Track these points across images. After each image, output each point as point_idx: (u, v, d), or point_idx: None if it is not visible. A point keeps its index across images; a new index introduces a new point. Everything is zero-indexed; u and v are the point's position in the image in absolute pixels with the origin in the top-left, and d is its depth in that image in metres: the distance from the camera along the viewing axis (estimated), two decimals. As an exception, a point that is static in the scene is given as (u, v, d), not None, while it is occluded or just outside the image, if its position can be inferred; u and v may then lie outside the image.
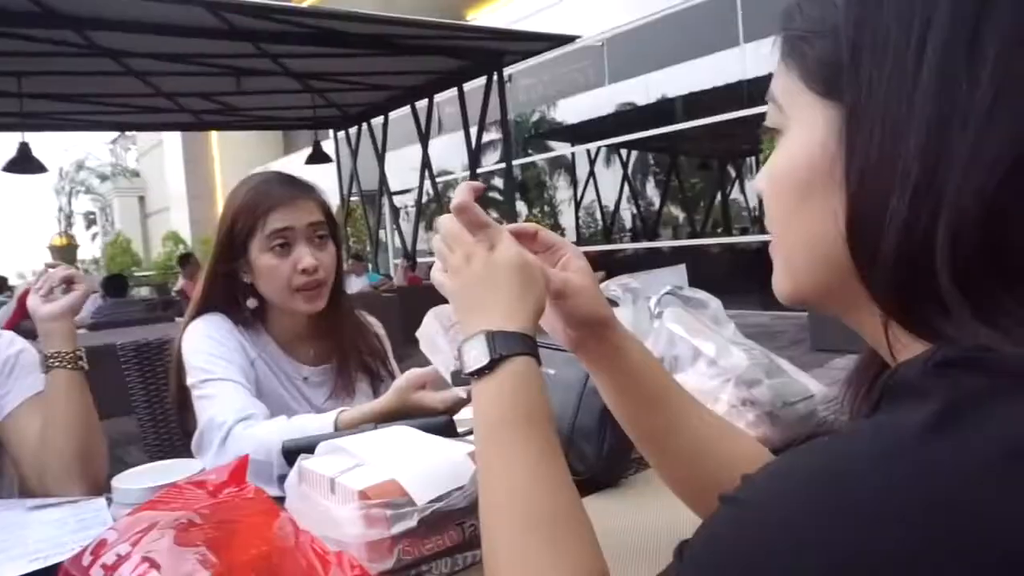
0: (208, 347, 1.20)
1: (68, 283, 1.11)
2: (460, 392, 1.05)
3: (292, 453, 0.89)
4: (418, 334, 0.95)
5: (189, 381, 1.19)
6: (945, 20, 0.36)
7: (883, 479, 0.29)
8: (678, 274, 1.26)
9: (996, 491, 0.28)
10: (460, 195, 0.60)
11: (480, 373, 0.54)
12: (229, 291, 1.27)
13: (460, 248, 0.59)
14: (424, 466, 0.72)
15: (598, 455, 0.94)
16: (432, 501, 0.68)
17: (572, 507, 0.50)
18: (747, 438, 0.71)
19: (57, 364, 1.08)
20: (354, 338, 1.34)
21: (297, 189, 1.26)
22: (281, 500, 0.75)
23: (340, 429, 1.05)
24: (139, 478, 0.76)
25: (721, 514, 0.34)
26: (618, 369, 0.66)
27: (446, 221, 0.61)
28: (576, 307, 0.63)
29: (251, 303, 1.26)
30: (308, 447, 0.83)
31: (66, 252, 18.99)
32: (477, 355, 0.54)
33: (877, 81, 0.37)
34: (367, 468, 0.72)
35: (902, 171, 0.36)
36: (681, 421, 0.66)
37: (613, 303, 1.20)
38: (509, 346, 0.54)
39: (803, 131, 0.42)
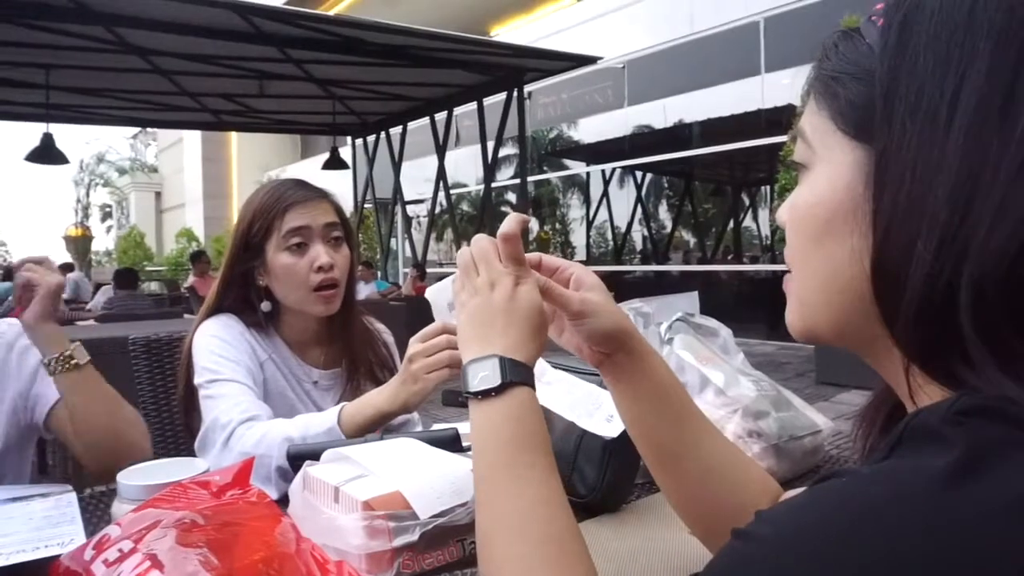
0: (217, 348, 1.21)
1: (29, 289, 1.06)
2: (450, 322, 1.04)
3: (297, 459, 0.89)
4: (432, 295, 0.92)
5: (196, 381, 1.20)
6: (981, 76, 0.36)
7: (902, 526, 0.29)
8: (690, 301, 1.26)
9: (1016, 543, 0.28)
10: (509, 225, 0.61)
11: (486, 395, 0.55)
12: (243, 294, 1.28)
13: (488, 272, 0.60)
14: (429, 480, 0.72)
15: (601, 479, 0.93)
16: (435, 516, 0.68)
17: (574, 531, 0.51)
18: (756, 467, 0.71)
19: (52, 371, 1.08)
20: (363, 346, 1.35)
21: (312, 191, 1.29)
22: (281, 502, 0.75)
23: (343, 422, 1.06)
24: (144, 474, 0.77)
25: (734, 549, 0.34)
26: (642, 383, 0.66)
27: (482, 240, 0.62)
28: (597, 325, 0.64)
29: (265, 306, 1.27)
30: (313, 454, 0.83)
31: (80, 243, 19.12)
32: (487, 376, 0.55)
33: (910, 129, 0.38)
34: (372, 479, 0.72)
35: (929, 219, 0.36)
36: (698, 441, 0.66)
37: (623, 326, 1.20)
38: (519, 374, 0.55)
39: (830, 170, 0.43)
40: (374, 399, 1.08)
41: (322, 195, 1.29)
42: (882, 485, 0.32)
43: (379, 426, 1.09)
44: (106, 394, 1.11)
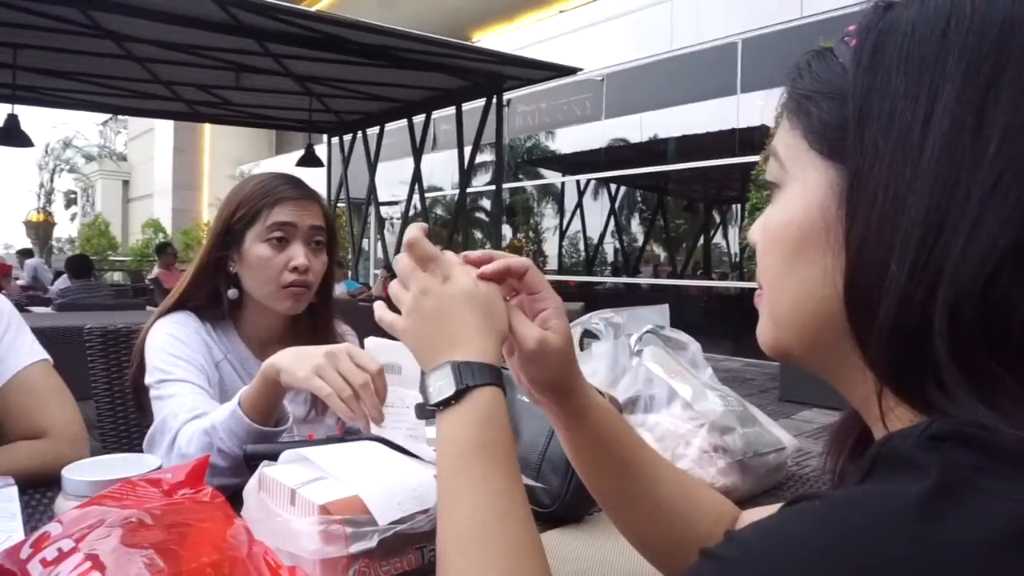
0: (169, 347, 1.18)
1: None
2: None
3: (254, 459, 0.86)
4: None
5: (147, 380, 1.17)
6: (952, 98, 0.36)
7: (874, 554, 0.29)
8: (660, 313, 1.26)
9: (990, 572, 0.28)
10: (411, 232, 0.59)
11: (445, 404, 0.53)
12: (214, 280, 1.25)
13: (415, 284, 0.58)
14: (389, 485, 0.70)
15: (565, 489, 0.92)
16: (395, 522, 0.66)
17: (531, 546, 0.50)
18: (712, 497, 0.68)
19: None
20: None
21: (305, 191, 1.27)
22: (235, 502, 0.73)
23: (242, 397, 0.99)
24: (91, 470, 0.73)
25: (700, 569, 0.33)
26: (578, 433, 0.64)
27: (400, 259, 0.59)
28: (542, 372, 0.61)
29: (232, 293, 1.24)
30: (271, 454, 0.81)
31: (42, 229, 18.66)
32: (442, 386, 0.53)
33: (882, 148, 0.37)
34: (330, 482, 0.70)
35: (902, 239, 0.36)
36: (646, 488, 0.64)
37: (593, 336, 1.20)
38: (475, 377, 0.53)
39: (803, 189, 0.42)
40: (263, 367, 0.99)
41: (314, 197, 1.27)
42: (854, 511, 0.31)
43: (275, 399, 1.00)
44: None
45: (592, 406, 0.64)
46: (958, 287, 0.34)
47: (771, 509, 0.59)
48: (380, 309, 0.60)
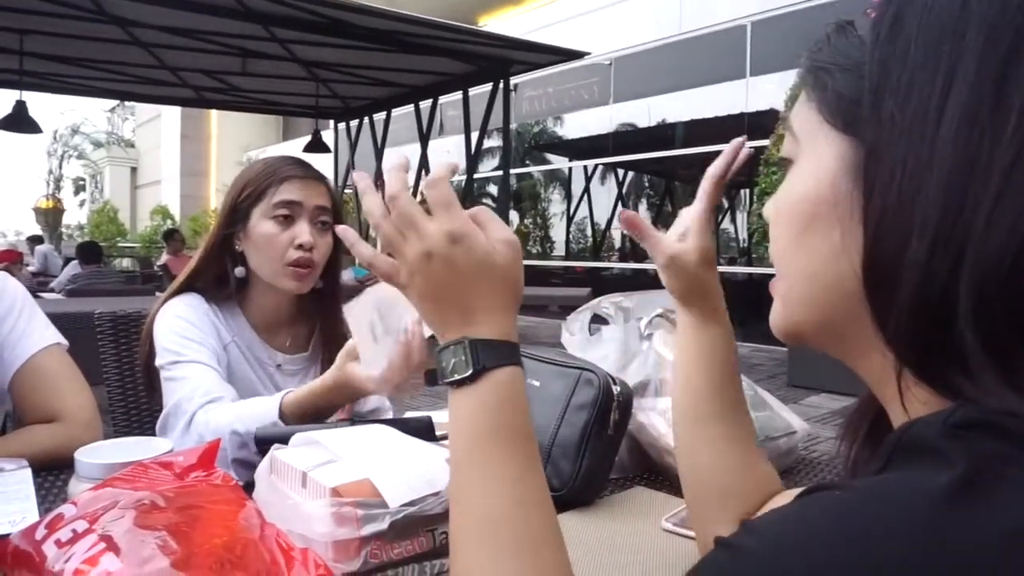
0: (180, 328, 1.18)
1: None
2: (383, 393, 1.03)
3: (265, 442, 0.87)
4: (347, 314, 0.93)
5: (158, 362, 1.17)
6: (970, 73, 0.35)
7: (894, 546, 0.28)
8: (670, 297, 1.25)
9: (1015, 569, 0.27)
10: (438, 170, 0.53)
11: (460, 383, 0.51)
12: (221, 259, 1.26)
13: (419, 240, 0.52)
14: (400, 468, 0.70)
15: (576, 473, 0.92)
16: (405, 505, 0.67)
17: (550, 535, 0.49)
18: (767, 464, 0.73)
19: None
20: (340, 339, 1.32)
21: (312, 172, 1.28)
22: (248, 487, 0.73)
23: (284, 412, 1.03)
24: (104, 452, 0.74)
25: (717, 559, 0.32)
26: (692, 341, 0.72)
27: (401, 202, 0.52)
28: (672, 281, 0.72)
29: (239, 271, 1.25)
30: (282, 437, 0.81)
31: (51, 216, 18.72)
32: (457, 364, 0.51)
33: (899, 122, 0.36)
34: (341, 465, 0.70)
35: (921, 217, 0.35)
36: (715, 415, 0.70)
37: (603, 321, 1.19)
38: (492, 356, 0.50)
39: (815, 163, 0.42)
40: (315, 386, 1.06)
41: (320, 178, 1.28)
42: (874, 501, 0.30)
43: (322, 415, 1.07)
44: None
45: (710, 324, 0.72)
46: (983, 269, 0.33)
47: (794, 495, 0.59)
48: (370, 251, 0.55)
